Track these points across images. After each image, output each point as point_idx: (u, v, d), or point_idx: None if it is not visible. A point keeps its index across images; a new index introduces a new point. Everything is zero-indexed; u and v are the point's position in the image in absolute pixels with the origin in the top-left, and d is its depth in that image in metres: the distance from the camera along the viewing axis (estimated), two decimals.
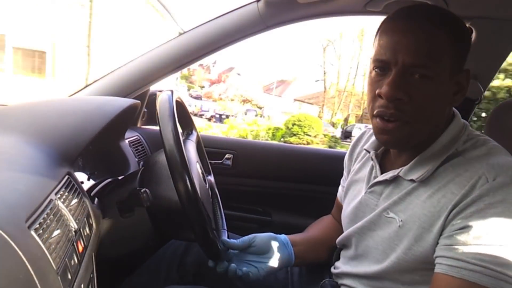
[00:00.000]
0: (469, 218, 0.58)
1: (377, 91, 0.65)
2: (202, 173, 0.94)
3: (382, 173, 0.76)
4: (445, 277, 0.59)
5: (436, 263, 0.62)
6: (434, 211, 0.63)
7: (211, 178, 1.08)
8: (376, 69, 0.66)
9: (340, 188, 0.99)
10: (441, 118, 0.68)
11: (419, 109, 0.63)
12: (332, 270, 0.89)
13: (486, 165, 0.61)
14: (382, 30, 0.67)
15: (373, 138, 0.80)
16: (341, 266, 0.86)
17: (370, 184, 0.77)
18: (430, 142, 0.68)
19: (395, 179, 0.72)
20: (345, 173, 0.95)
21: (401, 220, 0.68)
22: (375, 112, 0.66)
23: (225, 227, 0.97)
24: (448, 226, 0.61)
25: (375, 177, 0.77)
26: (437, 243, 0.63)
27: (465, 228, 0.58)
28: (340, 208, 0.96)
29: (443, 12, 0.66)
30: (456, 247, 0.59)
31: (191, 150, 0.93)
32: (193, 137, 1.03)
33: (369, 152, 0.80)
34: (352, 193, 0.85)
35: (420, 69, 0.62)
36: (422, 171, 0.67)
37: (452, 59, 0.63)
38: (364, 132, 0.91)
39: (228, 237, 0.95)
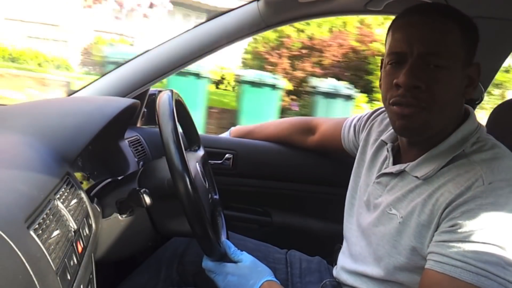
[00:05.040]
0: (459, 217, 0.60)
1: (394, 81, 0.67)
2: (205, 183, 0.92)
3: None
4: (430, 272, 0.61)
5: (426, 259, 0.63)
6: (433, 209, 0.64)
7: (216, 197, 1.05)
8: (391, 63, 0.69)
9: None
10: (455, 110, 0.69)
11: (435, 97, 0.65)
12: (333, 271, 0.89)
13: (486, 168, 0.62)
14: (396, 26, 0.70)
15: (391, 129, 0.81)
16: (342, 265, 0.86)
17: (378, 174, 0.79)
18: (440, 140, 0.69)
19: (400, 173, 0.73)
20: (356, 133, 0.98)
21: (401, 217, 0.69)
22: (391, 101, 0.68)
23: (225, 232, 0.96)
24: (442, 223, 0.63)
25: (385, 169, 0.78)
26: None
27: (454, 226, 0.60)
28: (333, 131, 1.07)
29: (452, 9, 0.70)
30: (443, 243, 0.61)
31: (195, 165, 0.90)
32: (200, 153, 1.01)
33: (386, 143, 0.81)
34: (364, 178, 0.85)
35: (434, 58, 0.64)
36: (427, 169, 0.68)
37: (464, 51, 0.66)
38: (382, 114, 0.91)
39: (228, 236, 0.94)
